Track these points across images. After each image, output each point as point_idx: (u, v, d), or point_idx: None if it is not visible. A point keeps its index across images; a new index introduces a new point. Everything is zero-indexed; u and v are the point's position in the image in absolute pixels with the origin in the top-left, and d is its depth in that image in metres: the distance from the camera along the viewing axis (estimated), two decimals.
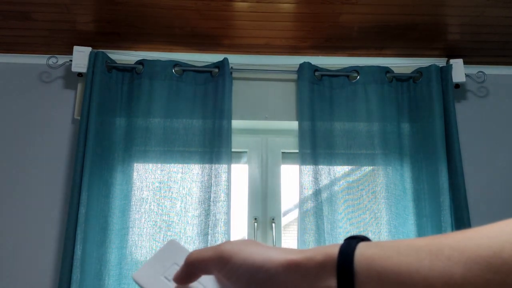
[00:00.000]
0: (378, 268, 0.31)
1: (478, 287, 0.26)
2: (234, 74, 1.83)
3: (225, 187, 1.63)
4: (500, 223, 0.27)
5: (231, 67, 1.79)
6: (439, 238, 0.30)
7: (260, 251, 0.37)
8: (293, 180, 1.96)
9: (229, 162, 1.66)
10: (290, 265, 0.35)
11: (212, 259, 0.38)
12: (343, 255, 0.33)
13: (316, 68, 1.80)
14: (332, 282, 0.33)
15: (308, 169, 1.68)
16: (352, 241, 0.34)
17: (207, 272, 0.40)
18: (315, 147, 1.71)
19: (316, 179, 1.68)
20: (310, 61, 1.80)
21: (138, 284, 0.43)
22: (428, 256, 0.29)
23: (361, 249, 0.33)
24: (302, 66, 1.79)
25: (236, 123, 1.82)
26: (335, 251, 0.34)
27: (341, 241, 0.36)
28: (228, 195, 1.63)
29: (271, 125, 1.85)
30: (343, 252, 0.33)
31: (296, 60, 1.85)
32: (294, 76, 1.85)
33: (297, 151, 1.73)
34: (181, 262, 0.42)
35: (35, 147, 1.77)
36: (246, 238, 1.77)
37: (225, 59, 1.77)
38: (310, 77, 1.78)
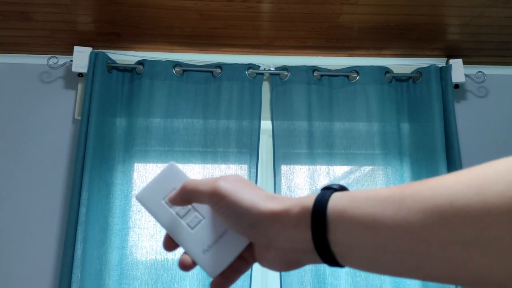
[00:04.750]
0: (348, 220, 0.34)
1: (435, 234, 0.28)
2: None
3: None
4: (457, 173, 0.29)
5: (231, 67, 1.79)
6: (402, 189, 0.32)
7: (249, 196, 0.40)
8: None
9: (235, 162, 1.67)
10: (271, 215, 0.39)
11: (207, 194, 0.42)
12: (317, 208, 0.36)
13: (315, 68, 1.80)
14: (307, 232, 0.36)
15: (304, 169, 1.68)
16: (327, 192, 0.37)
17: (200, 202, 0.43)
18: (312, 147, 1.72)
19: (313, 179, 1.68)
20: (310, 62, 1.80)
21: (142, 204, 0.46)
22: (392, 206, 0.31)
23: (334, 201, 0.36)
24: (298, 67, 1.79)
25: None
26: (310, 203, 0.37)
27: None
28: None
29: (270, 125, 1.85)
30: (317, 205, 0.36)
31: (296, 61, 1.85)
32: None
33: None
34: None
35: (35, 147, 1.77)
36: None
37: (225, 60, 1.77)
38: (306, 78, 1.77)
